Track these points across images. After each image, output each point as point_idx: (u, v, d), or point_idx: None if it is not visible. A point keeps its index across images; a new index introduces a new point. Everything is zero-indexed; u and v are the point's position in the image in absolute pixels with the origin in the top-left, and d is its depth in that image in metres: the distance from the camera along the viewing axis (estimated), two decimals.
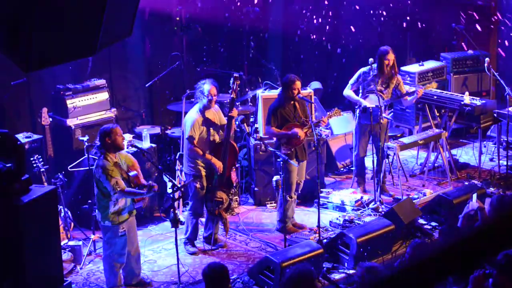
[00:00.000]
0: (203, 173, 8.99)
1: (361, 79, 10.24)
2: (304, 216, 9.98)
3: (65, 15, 3.92)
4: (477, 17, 13.23)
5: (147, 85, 11.03)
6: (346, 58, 13.03)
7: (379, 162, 10.29)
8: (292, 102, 9.36)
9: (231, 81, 9.04)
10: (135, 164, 8.16)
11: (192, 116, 8.95)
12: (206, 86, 8.86)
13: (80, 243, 9.00)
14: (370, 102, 10.11)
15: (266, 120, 9.52)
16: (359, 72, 10.29)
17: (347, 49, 13.18)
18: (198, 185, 8.99)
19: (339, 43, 13.36)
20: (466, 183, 10.72)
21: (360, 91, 10.27)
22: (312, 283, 6.27)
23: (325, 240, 9.00)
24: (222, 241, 9.32)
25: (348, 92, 10.32)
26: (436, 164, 11.33)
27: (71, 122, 9.97)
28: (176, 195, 8.35)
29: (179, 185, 8.60)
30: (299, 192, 9.70)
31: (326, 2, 13.12)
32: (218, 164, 8.93)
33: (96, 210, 8.19)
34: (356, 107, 10.40)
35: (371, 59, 10.06)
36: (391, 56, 9.99)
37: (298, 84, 9.30)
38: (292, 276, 6.24)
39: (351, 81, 10.32)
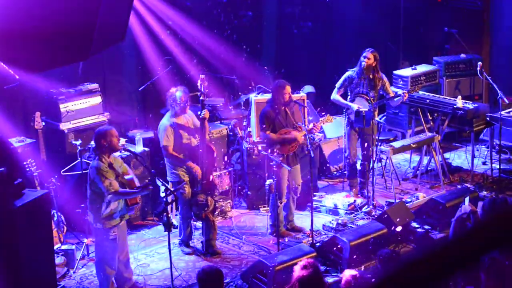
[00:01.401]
0: (186, 179, 9.03)
1: (347, 82, 10.26)
2: (297, 219, 9.97)
3: (58, 20, 3.93)
4: (469, 21, 13.27)
5: (140, 89, 11.04)
6: (340, 61, 13.04)
7: (364, 164, 10.33)
8: (282, 107, 9.37)
9: (198, 83, 9.07)
10: (129, 172, 8.19)
11: (164, 124, 9.05)
12: (178, 93, 8.97)
13: (73, 247, 8.98)
14: (358, 104, 10.13)
15: (260, 126, 9.50)
16: (345, 75, 10.31)
17: (341, 53, 13.20)
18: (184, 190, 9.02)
19: (332, 47, 13.39)
20: (459, 186, 10.75)
21: (349, 94, 10.30)
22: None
23: (318, 244, 9.02)
24: (216, 249, 9.26)
25: (335, 96, 10.32)
26: (429, 168, 11.36)
27: (64, 126, 9.96)
28: (169, 199, 8.35)
29: (172, 189, 8.61)
30: (298, 195, 9.71)
31: (319, 6, 13.16)
32: (195, 168, 8.96)
33: (89, 212, 8.16)
34: (344, 110, 10.42)
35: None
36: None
37: (288, 88, 9.31)
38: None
39: (338, 84, 10.33)
